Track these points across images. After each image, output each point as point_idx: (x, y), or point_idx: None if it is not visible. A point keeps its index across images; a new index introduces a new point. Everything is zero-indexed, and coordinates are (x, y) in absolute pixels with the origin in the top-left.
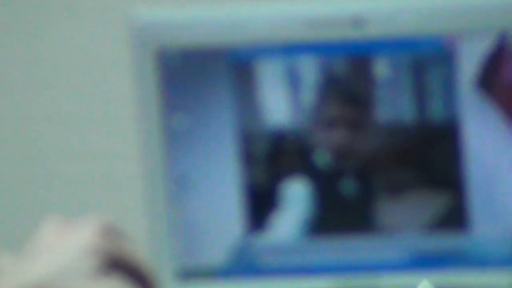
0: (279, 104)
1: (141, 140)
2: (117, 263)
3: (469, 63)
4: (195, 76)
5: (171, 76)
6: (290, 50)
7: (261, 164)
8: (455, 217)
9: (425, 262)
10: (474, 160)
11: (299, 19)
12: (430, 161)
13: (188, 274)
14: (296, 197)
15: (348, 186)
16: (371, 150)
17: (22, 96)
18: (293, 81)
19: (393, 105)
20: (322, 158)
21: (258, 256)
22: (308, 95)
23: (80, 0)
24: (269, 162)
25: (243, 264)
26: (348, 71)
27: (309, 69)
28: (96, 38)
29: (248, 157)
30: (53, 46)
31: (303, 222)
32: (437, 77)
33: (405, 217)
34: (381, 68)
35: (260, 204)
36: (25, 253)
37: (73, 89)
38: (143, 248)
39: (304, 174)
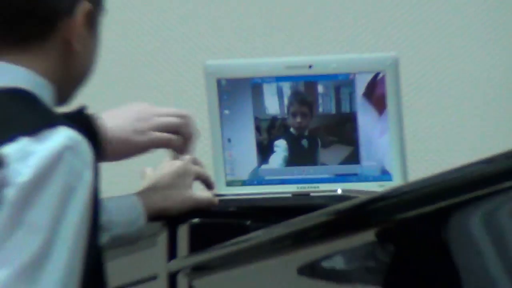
0: (273, 104)
1: (210, 122)
2: (198, 177)
3: (361, 86)
4: (234, 91)
5: (222, 92)
6: (279, 79)
7: (265, 132)
8: (354, 157)
9: (340, 179)
10: (363, 131)
11: (283, 64)
12: (342, 131)
13: (230, 183)
14: (281, 147)
15: (305, 143)
16: (315, 126)
17: None
18: (280, 94)
19: (325, 105)
20: (293, 129)
21: (263, 175)
22: (286, 101)
23: (175, 53)
24: (269, 131)
25: (256, 179)
26: (304, 89)
27: (287, 88)
28: (186, 74)
29: (259, 129)
30: (157, 80)
31: (284, 158)
32: (346, 92)
33: (331, 157)
34: (320, 88)
35: (265, 150)
36: (154, 171)
37: (170, 105)
38: (208, 170)
39: (284, 136)
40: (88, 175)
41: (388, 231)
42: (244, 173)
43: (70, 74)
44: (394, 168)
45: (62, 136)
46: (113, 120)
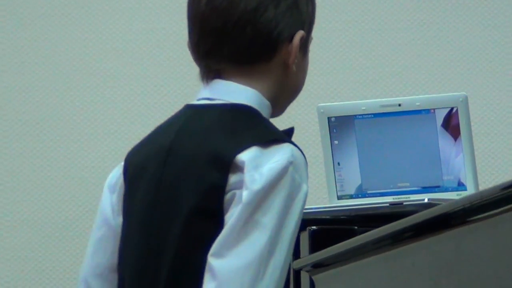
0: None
1: (323, 150)
2: None
3: (439, 118)
4: (341, 126)
5: (332, 127)
6: (376, 115)
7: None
8: (436, 173)
9: (426, 190)
10: (443, 153)
11: (378, 104)
12: (427, 153)
13: (341, 197)
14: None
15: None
16: None
17: None
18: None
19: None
20: None
21: (366, 189)
22: None
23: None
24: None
25: (360, 193)
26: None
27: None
28: (302, 114)
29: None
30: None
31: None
32: (429, 122)
33: (419, 173)
34: (407, 122)
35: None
36: None
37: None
38: (322, 188)
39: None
40: (305, 187)
41: (463, 229)
42: (351, 189)
43: (284, 91)
44: (468, 181)
45: (287, 152)
46: None
